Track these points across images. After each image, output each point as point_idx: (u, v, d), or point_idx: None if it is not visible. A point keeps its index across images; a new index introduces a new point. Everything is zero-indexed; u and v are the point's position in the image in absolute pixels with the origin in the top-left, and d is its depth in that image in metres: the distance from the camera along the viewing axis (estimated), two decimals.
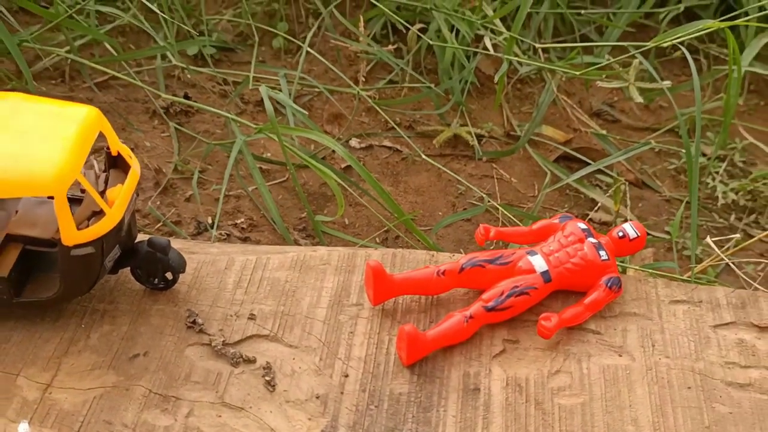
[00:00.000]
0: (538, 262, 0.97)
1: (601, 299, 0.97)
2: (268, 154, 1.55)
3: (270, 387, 0.90)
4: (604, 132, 1.65)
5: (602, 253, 0.98)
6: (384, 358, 0.93)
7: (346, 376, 0.91)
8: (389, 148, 1.61)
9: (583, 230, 1.00)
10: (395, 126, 1.55)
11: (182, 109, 1.60)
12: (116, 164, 0.94)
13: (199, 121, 1.60)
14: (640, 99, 1.50)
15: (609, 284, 0.97)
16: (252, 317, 0.96)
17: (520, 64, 1.68)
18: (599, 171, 1.58)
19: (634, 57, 1.50)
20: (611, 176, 1.56)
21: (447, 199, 1.53)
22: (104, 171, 0.94)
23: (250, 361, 0.92)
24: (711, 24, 1.34)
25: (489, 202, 1.43)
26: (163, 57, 1.63)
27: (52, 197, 0.95)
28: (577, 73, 1.43)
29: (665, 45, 1.35)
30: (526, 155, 1.62)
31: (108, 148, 0.93)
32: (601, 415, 0.89)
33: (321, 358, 0.93)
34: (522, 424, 0.88)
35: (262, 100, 1.64)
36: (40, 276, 0.93)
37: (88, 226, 0.87)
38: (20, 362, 0.90)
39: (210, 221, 1.40)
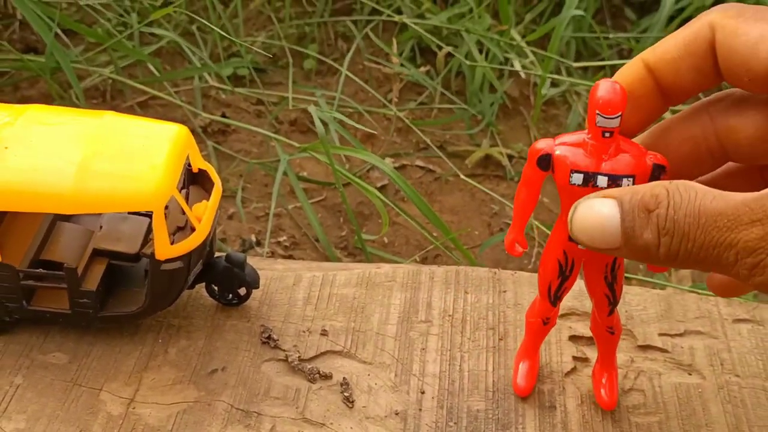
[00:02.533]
0: None
1: None
2: (304, 173, 1.54)
3: (349, 403, 0.88)
4: None
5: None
6: (458, 374, 0.92)
7: (423, 392, 0.90)
8: (422, 168, 1.61)
9: None
10: (431, 145, 1.54)
11: (220, 128, 1.59)
12: (196, 181, 0.93)
13: (235, 140, 1.59)
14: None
15: None
16: (324, 333, 0.95)
17: (550, 86, 1.68)
18: None
19: None
20: None
21: (482, 219, 1.52)
22: (184, 188, 0.92)
23: (327, 377, 0.90)
24: None
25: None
26: (200, 78, 1.62)
27: (134, 213, 0.94)
28: None
29: None
30: None
31: (189, 165, 0.92)
32: None
33: (396, 374, 0.91)
34: None
35: (295, 120, 1.63)
36: (120, 291, 0.91)
37: (173, 242, 0.86)
38: (102, 377, 0.88)
39: (254, 239, 1.39)
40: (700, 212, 0.65)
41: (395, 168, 1.58)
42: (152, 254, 0.84)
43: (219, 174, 1.48)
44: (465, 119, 1.65)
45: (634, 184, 0.77)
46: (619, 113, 0.74)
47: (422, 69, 1.70)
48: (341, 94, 1.64)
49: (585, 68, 1.77)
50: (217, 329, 0.94)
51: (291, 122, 1.64)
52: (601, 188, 0.77)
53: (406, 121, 1.56)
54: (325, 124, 1.44)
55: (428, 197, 1.54)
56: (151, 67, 1.59)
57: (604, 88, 0.75)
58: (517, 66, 1.62)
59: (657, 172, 0.77)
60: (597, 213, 0.70)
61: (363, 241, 1.35)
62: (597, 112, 0.75)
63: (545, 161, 0.79)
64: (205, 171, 0.92)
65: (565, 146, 0.78)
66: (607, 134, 0.76)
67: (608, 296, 0.84)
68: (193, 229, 0.87)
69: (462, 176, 1.47)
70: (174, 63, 1.72)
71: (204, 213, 0.87)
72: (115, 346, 0.92)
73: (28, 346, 0.91)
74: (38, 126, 0.85)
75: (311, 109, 1.30)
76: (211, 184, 0.91)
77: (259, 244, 1.37)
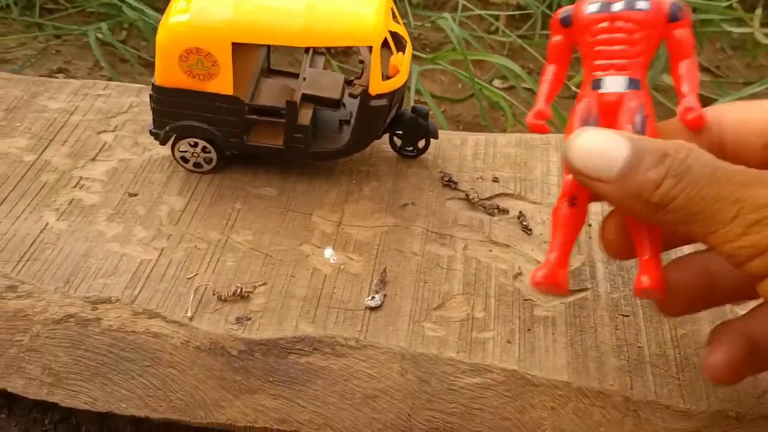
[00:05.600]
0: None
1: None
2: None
3: (527, 231, 0.98)
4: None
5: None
6: None
7: (590, 225, 0.99)
8: (529, 90, 1.70)
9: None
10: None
11: (342, 50, 1.69)
12: (385, 44, 1.02)
13: (356, 61, 1.69)
14: (767, 41, 1.59)
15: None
16: (496, 180, 1.04)
17: None
18: None
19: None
20: None
21: None
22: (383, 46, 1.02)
23: (504, 211, 1.00)
24: None
25: None
26: None
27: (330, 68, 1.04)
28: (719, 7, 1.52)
29: None
30: (655, 102, 1.70)
31: None
32: None
33: None
34: None
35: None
36: (322, 135, 1.01)
37: None
38: (310, 206, 0.98)
39: None
40: (718, 165, 0.63)
41: (504, 88, 1.67)
42: (364, 91, 0.94)
43: None
44: None
45: (650, 7, 0.72)
46: None
47: None
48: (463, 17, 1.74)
49: None
50: (401, 174, 1.04)
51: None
52: (616, 12, 0.72)
53: (519, 41, 1.66)
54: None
55: None
56: None
57: None
58: None
59: (675, 8, 0.72)
60: (605, 139, 0.65)
61: None
62: None
63: (567, 19, 0.75)
64: (397, 33, 1.02)
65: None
66: None
67: None
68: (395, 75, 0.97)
69: (573, 88, 1.56)
70: None
71: (401, 63, 0.97)
72: (315, 184, 1.01)
73: (241, 182, 1.01)
74: None
75: (444, 19, 1.40)
76: (403, 44, 1.01)
77: None
